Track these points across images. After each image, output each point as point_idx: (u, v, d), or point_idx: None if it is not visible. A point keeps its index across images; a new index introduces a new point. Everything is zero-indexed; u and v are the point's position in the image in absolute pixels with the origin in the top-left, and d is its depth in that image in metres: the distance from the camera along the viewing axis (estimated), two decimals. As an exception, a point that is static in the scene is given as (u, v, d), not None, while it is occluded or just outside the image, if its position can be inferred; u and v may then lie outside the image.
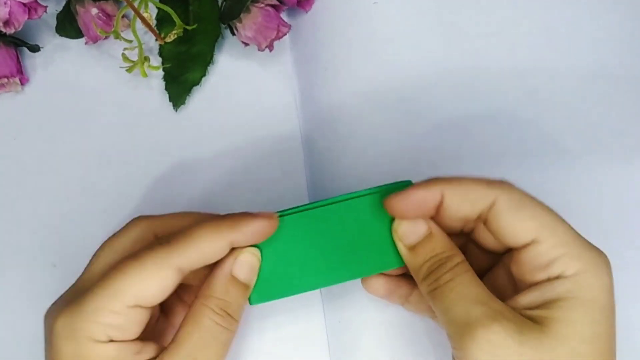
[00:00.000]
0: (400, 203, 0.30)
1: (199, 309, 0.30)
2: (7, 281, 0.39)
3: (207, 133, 0.42)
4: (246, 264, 0.30)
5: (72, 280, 0.38)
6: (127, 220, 0.40)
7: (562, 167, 0.40)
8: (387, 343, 0.37)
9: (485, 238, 0.31)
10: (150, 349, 0.29)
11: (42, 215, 0.41)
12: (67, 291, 0.31)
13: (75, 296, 0.29)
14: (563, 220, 0.29)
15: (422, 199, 0.30)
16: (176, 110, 0.43)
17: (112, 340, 0.28)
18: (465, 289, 0.28)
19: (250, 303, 0.31)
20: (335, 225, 0.31)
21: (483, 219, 0.30)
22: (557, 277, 0.28)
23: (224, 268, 0.30)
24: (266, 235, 0.30)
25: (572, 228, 0.29)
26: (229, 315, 0.30)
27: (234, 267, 0.30)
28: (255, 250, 0.31)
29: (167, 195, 0.41)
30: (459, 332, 0.27)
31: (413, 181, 0.31)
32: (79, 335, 0.27)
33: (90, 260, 0.32)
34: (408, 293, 0.34)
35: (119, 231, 0.33)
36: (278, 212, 0.31)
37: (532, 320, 0.27)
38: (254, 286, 0.31)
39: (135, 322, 0.28)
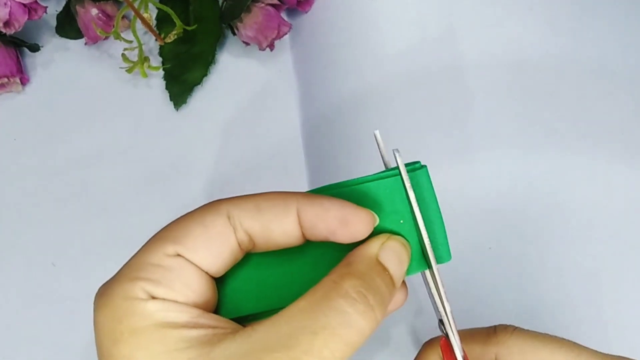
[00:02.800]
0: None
1: (325, 284, 0.23)
2: (6, 280, 0.39)
3: (207, 132, 0.42)
4: (394, 253, 0.24)
5: (71, 279, 0.39)
6: (127, 220, 0.40)
7: (563, 163, 0.40)
8: (386, 343, 0.37)
9: None
10: (218, 319, 0.23)
11: (41, 215, 0.40)
12: None
13: None
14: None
15: None
16: (177, 110, 0.43)
17: (153, 298, 0.22)
18: None
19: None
20: None
21: None
22: None
23: (368, 249, 0.24)
24: (355, 224, 0.24)
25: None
26: (369, 303, 0.22)
27: (381, 251, 0.24)
28: (406, 243, 0.25)
29: (167, 194, 0.41)
30: None
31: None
32: (114, 297, 0.22)
33: None
34: None
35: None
36: None
37: None
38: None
39: (181, 280, 0.23)
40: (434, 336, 0.30)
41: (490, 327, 0.29)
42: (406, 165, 0.27)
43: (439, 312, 0.27)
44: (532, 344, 0.27)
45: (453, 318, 0.26)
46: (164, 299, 0.22)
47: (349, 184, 0.26)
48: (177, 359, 0.21)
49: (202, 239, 0.23)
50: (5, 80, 0.42)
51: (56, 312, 0.38)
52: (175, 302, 0.23)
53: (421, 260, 0.26)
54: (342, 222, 0.24)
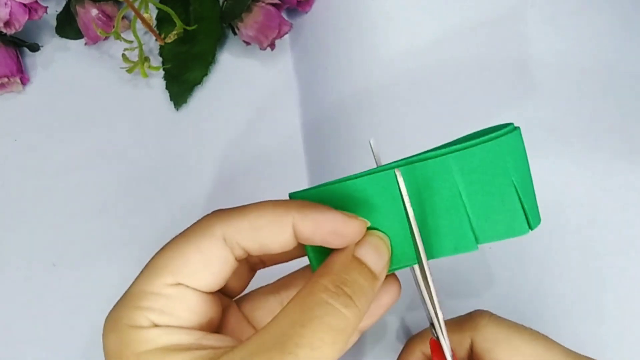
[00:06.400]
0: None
1: (307, 286, 0.24)
2: (7, 280, 0.39)
3: (207, 132, 0.42)
4: (372, 248, 0.25)
5: (71, 279, 0.39)
6: (127, 220, 0.40)
7: (564, 161, 0.40)
8: (387, 342, 0.37)
9: None
10: (220, 339, 0.24)
11: (42, 215, 0.40)
12: None
13: None
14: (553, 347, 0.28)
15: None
16: (177, 109, 0.43)
17: (156, 325, 0.24)
18: None
19: None
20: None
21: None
22: None
23: (345, 249, 0.25)
24: (347, 235, 0.25)
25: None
26: (346, 294, 0.23)
27: (357, 247, 0.25)
28: (385, 237, 0.25)
29: (167, 194, 0.41)
30: None
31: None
32: (120, 325, 0.24)
33: None
34: None
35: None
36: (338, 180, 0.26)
37: None
38: None
39: (183, 306, 0.24)
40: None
41: (466, 313, 0.30)
42: (498, 127, 0.27)
43: (430, 316, 0.27)
44: (506, 332, 0.28)
45: (444, 320, 0.27)
46: (166, 326, 0.24)
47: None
48: None
49: (201, 265, 0.25)
50: (6, 80, 0.42)
51: (56, 312, 0.38)
52: (178, 327, 0.24)
53: (413, 253, 0.26)
54: (336, 235, 0.25)
